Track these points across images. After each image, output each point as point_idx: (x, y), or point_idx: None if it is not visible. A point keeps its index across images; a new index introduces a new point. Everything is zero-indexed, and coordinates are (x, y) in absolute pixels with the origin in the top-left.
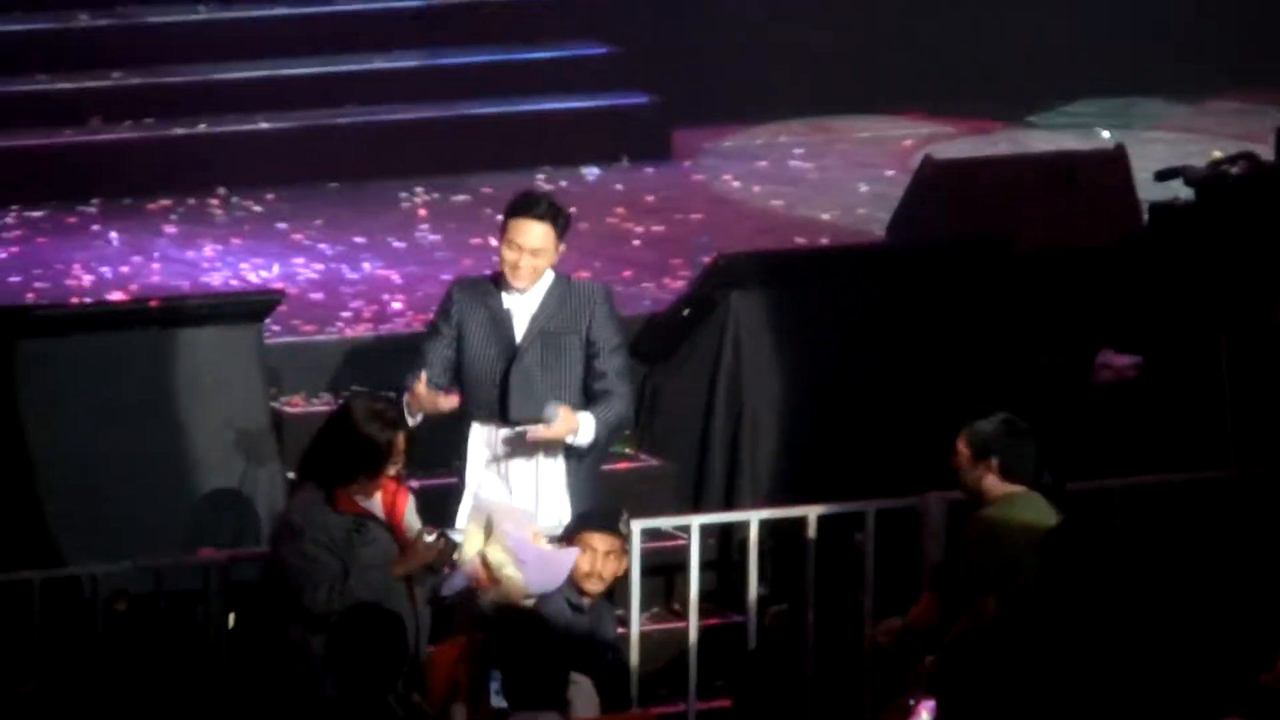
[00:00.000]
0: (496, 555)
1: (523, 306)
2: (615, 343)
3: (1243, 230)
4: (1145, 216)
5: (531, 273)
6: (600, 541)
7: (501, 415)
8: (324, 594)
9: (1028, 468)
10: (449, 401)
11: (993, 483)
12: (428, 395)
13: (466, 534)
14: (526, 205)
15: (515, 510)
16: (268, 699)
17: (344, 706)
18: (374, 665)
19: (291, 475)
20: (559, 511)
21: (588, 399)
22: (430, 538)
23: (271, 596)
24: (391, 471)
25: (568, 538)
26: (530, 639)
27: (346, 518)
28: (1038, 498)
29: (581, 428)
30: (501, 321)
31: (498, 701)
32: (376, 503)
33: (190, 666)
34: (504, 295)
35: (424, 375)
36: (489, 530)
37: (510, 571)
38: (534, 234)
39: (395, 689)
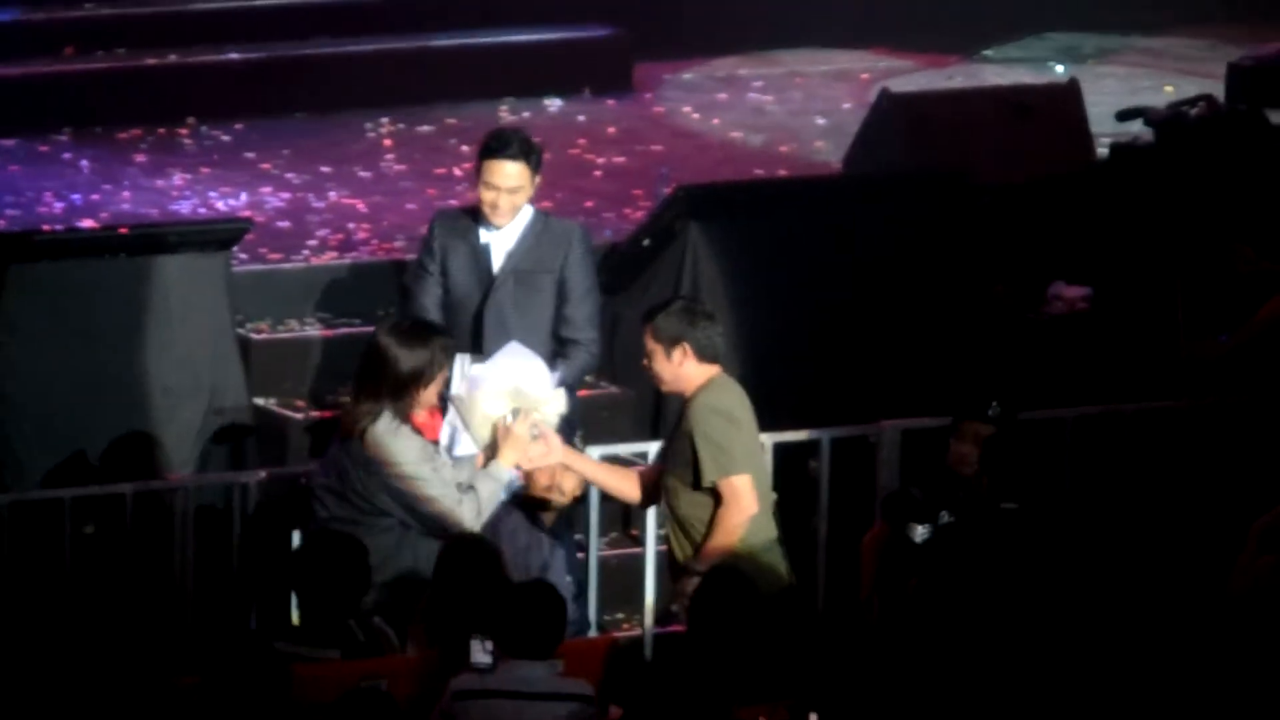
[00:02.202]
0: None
1: (500, 242)
2: (586, 286)
3: (1201, 172)
4: (1097, 150)
5: (511, 210)
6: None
7: (475, 349)
8: (470, 511)
9: (719, 346)
10: None
11: (693, 369)
12: None
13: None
14: (499, 146)
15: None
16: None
17: (305, 628)
18: (335, 589)
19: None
20: None
21: (556, 341)
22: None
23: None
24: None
25: None
26: (536, 597)
27: (429, 445)
28: (730, 379)
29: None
30: (479, 256)
31: (479, 660)
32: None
33: (155, 588)
34: (482, 229)
35: None
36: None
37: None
38: (509, 173)
39: (357, 613)
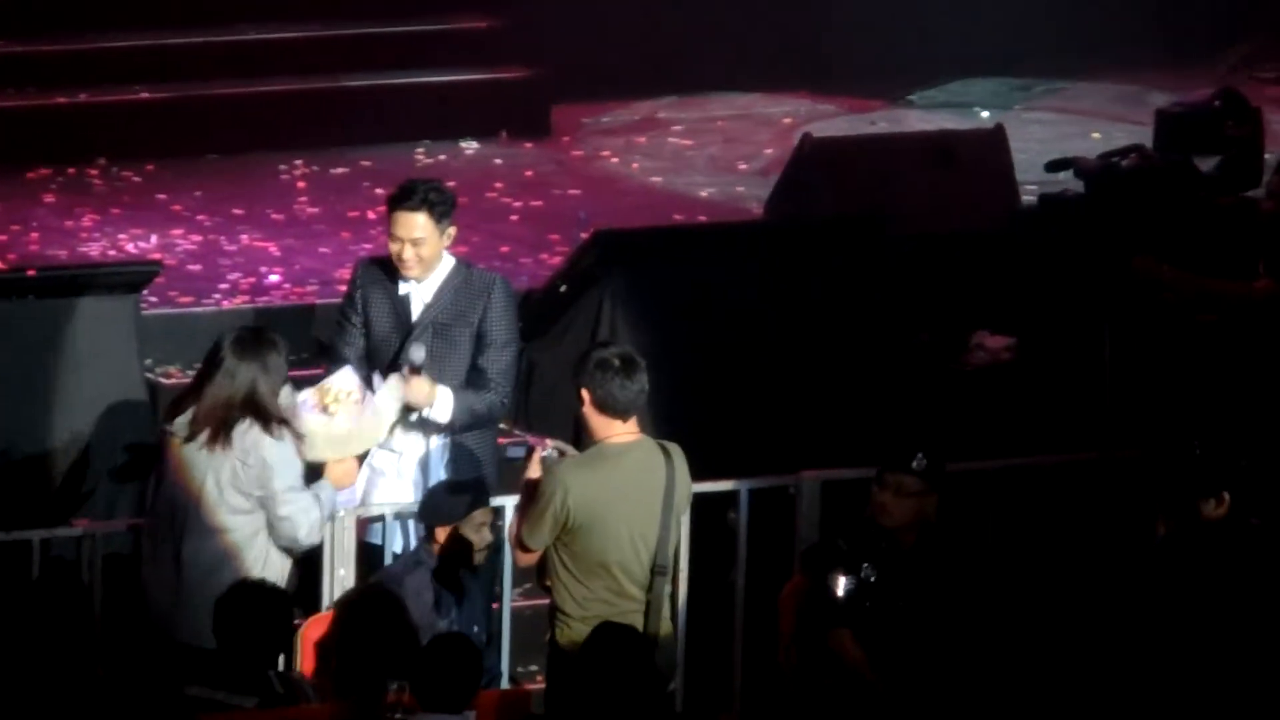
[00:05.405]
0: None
1: (420, 293)
2: (504, 339)
3: (1131, 223)
4: (1023, 197)
5: (418, 262)
6: (441, 534)
7: None
8: (316, 518)
9: (622, 401)
10: None
11: (593, 418)
12: None
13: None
14: (402, 196)
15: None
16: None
17: (225, 679)
18: (257, 640)
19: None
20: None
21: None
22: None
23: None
24: None
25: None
26: (451, 651)
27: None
28: (645, 444)
29: (439, 403)
30: (400, 306)
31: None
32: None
33: (65, 636)
34: (402, 280)
35: None
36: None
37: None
38: (411, 224)
39: (276, 664)
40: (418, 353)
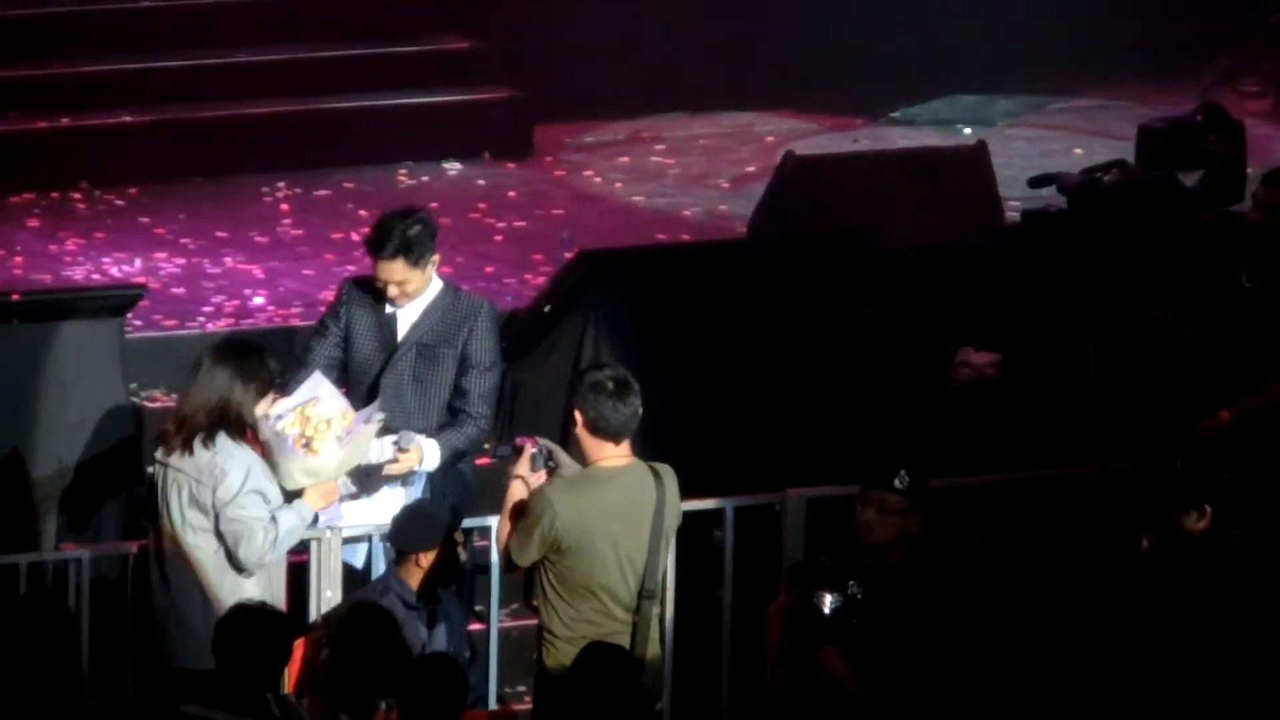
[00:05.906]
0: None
1: (405, 314)
2: (487, 363)
3: (1115, 238)
4: (1006, 214)
5: (405, 297)
6: (425, 560)
7: None
8: (265, 540)
9: (614, 423)
10: None
11: (586, 439)
12: None
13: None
14: (376, 246)
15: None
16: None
17: (224, 701)
18: (256, 663)
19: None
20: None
21: (450, 412)
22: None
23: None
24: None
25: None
26: (435, 671)
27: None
28: (636, 467)
29: (427, 456)
30: (385, 326)
31: None
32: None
33: (53, 660)
34: (388, 300)
35: None
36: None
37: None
38: (390, 271)
39: (276, 688)
40: (408, 439)
